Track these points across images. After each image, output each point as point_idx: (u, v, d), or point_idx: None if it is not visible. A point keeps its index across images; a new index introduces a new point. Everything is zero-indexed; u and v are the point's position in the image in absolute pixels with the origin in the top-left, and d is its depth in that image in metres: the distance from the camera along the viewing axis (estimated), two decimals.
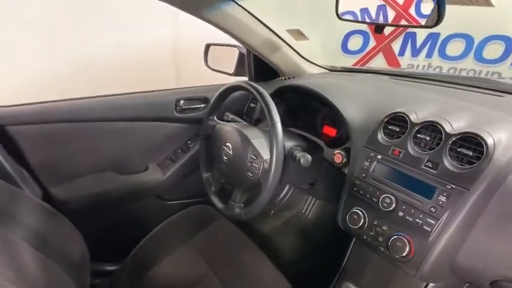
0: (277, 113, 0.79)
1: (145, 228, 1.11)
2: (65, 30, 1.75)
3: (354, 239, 0.91)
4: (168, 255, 1.00)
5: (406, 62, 2.88)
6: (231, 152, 0.88)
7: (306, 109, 1.14)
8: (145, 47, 2.04)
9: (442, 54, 2.58)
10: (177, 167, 1.27)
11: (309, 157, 0.81)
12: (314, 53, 1.39)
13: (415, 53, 3.00)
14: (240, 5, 1.01)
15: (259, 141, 0.83)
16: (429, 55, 2.68)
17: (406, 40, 2.93)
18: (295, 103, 1.17)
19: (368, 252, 0.84)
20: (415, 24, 2.54)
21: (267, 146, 0.82)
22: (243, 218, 0.86)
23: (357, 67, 1.35)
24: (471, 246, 0.63)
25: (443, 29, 2.56)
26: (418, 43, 2.90)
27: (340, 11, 0.95)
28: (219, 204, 0.96)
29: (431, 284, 0.73)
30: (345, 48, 3.20)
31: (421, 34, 2.83)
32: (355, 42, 3.16)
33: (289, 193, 1.59)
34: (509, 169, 0.60)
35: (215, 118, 1.01)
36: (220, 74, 1.34)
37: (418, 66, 2.74)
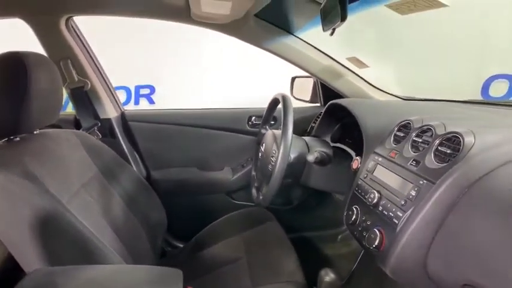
0: (292, 119, 0.92)
1: (212, 217, 1.35)
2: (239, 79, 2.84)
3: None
4: (221, 241, 1.21)
5: None
6: (263, 150, 1.06)
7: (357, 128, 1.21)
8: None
9: None
10: (244, 171, 1.50)
11: (317, 154, 0.90)
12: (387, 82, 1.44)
13: None
14: (297, 37, 1.23)
15: None
16: None
17: None
18: (349, 123, 1.25)
19: (369, 261, 0.84)
20: None
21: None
22: (263, 205, 1.00)
23: (432, 98, 1.31)
24: (440, 245, 0.60)
25: None
26: None
27: None
28: (254, 195, 1.13)
29: None
30: (485, 94, 2.89)
31: None
32: (499, 88, 2.82)
33: None
34: (483, 169, 0.57)
35: (267, 127, 1.21)
36: None
37: None
